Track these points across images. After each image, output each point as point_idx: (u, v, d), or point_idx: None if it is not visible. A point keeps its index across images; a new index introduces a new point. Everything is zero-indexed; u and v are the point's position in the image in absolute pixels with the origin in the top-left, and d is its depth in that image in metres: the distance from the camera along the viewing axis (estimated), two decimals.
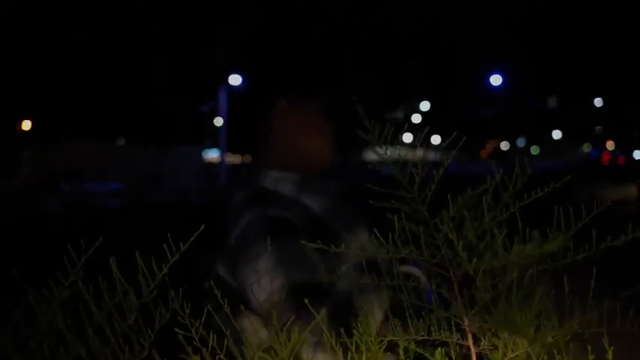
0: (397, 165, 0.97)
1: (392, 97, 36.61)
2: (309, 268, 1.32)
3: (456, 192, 0.96)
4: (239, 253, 1.35)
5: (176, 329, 0.84)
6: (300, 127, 1.48)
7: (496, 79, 32.65)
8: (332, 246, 1.11)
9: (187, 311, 0.84)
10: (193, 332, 0.84)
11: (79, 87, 25.85)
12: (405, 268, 1.50)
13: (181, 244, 0.83)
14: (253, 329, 1.35)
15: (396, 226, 0.93)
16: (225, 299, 0.93)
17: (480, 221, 0.91)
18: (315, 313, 0.94)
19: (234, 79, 27.05)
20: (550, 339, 0.87)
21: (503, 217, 0.92)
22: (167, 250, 0.82)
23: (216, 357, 0.84)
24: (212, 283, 1.51)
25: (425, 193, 0.97)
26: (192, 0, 25.80)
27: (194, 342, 0.83)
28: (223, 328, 0.90)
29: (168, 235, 0.81)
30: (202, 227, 0.85)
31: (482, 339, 0.93)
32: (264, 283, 1.30)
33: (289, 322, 1.07)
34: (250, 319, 1.36)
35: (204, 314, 0.87)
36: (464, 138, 1.03)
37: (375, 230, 1.42)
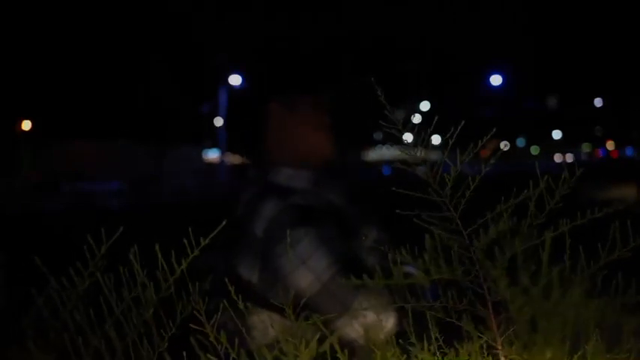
0: (424, 165, 0.93)
1: (392, 97, 36.49)
2: (343, 250, 1.34)
3: (486, 197, 0.94)
4: (272, 244, 1.36)
5: (192, 325, 0.84)
6: (297, 125, 1.51)
7: (496, 79, 32.65)
8: (351, 233, 1.12)
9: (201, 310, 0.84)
10: (209, 330, 0.83)
11: (78, 87, 25.82)
12: (402, 268, 1.52)
13: (202, 240, 0.83)
14: (264, 325, 1.36)
15: (429, 238, 0.87)
16: (237, 296, 0.93)
17: (520, 239, 0.85)
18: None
19: (234, 79, 27.06)
20: None
21: (550, 234, 0.86)
22: (188, 246, 0.82)
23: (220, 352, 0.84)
24: (220, 280, 1.52)
25: (459, 199, 0.91)
26: (193, 0, 25.79)
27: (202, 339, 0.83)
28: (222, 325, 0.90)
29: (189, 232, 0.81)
30: (223, 223, 0.85)
31: None
32: (311, 265, 1.31)
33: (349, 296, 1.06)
34: (261, 315, 1.37)
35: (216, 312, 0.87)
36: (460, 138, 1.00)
37: (382, 233, 1.43)
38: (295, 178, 1.48)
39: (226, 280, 1.46)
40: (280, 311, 1.35)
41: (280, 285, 1.34)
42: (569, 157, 56.95)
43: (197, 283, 0.85)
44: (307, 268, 1.31)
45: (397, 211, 0.92)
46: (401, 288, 0.96)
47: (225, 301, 1.47)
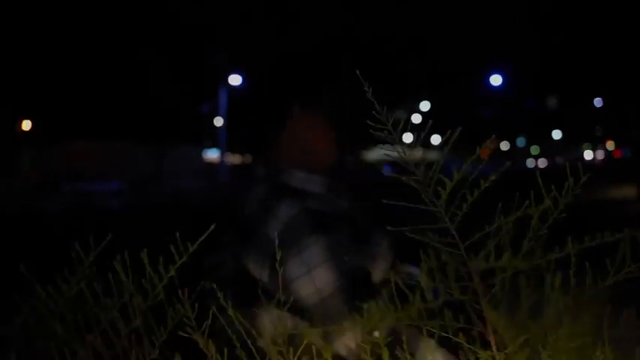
0: (418, 170, 0.87)
1: (392, 97, 36.56)
2: (354, 261, 1.33)
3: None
4: (284, 247, 1.35)
5: (181, 332, 0.83)
6: (311, 129, 1.50)
7: (496, 79, 32.67)
8: (366, 241, 1.10)
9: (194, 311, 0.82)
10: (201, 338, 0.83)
11: (78, 87, 25.82)
12: (406, 269, 1.52)
13: (189, 245, 0.81)
14: (273, 325, 1.35)
15: (425, 257, 0.84)
16: (245, 294, 0.92)
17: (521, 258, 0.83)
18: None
19: (234, 79, 27.05)
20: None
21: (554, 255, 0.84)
22: (174, 250, 0.81)
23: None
24: (222, 279, 1.52)
25: (455, 209, 0.85)
26: (193, 0, 25.80)
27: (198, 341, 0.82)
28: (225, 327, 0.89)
29: (177, 234, 0.80)
30: (212, 227, 0.84)
31: None
32: (315, 275, 1.30)
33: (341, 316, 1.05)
34: (273, 314, 1.37)
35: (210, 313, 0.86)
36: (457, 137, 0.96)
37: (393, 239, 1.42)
38: (308, 182, 1.48)
39: (235, 277, 1.46)
40: (291, 310, 1.35)
41: (284, 289, 1.34)
42: (542, 162, 55.66)
43: (196, 285, 0.84)
44: (310, 279, 1.31)
45: (388, 227, 0.89)
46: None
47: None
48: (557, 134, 55.22)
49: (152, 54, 26.02)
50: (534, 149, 58.32)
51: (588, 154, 58.72)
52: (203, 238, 0.83)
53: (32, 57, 24.52)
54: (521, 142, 55.34)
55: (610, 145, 58.05)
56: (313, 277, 1.30)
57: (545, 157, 56.32)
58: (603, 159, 53.87)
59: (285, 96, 1.53)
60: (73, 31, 24.90)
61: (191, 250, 0.82)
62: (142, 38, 25.50)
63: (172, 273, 0.81)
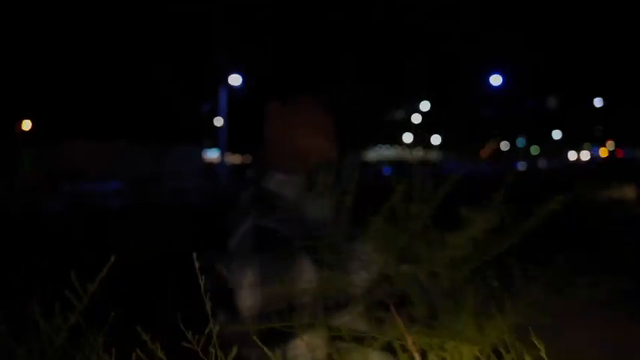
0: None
1: (392, 97, 36.56)
2: (291, 285, 1.31)
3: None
4: (233, 259, 1.36)
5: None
6: (297, 127, 1.48)
7: (496, 79, 32.66)
8: (328, 257, 1.11)
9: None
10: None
11: (78, 87, 25.82)
12: (404, 268, 1.51)
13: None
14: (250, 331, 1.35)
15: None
16: (225, 300, 0.93)
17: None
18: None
19: (234, 79, 27.04)
20: (494, 337, 0.88)
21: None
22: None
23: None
24: (213, 282, 1.52)
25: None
26: (194, 0, 25.79)
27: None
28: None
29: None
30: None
31: (430, 353, 0.94)
32: (243, 294, 1.30)
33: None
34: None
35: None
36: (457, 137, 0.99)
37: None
38: (286, 185, 1.46)
39: (215, 282, 1.46)
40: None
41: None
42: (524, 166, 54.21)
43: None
44: (239, 296, 1.31)
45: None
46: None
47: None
48: (557, 134, 55.23)
49: (152, 54, 26.02)
50: (534, 149, 58.32)
51: (572, 155, 58.66)
52: (100, 277, 0.81)
53: (32, 57, 24.53)
54: (521, 142, 55.31)
55: (610, 144, 57.99)
56: (241, 296, 1.31)
57: (525, 160, 55.78)
58: (588, 160, 53.85)
59: (263, 95, 1.52)
60: (73, 31, 24.90)
61: (91, 290, 0.79)
62: (142, 38, 25.50)
63: (63, 338, 0.78)
